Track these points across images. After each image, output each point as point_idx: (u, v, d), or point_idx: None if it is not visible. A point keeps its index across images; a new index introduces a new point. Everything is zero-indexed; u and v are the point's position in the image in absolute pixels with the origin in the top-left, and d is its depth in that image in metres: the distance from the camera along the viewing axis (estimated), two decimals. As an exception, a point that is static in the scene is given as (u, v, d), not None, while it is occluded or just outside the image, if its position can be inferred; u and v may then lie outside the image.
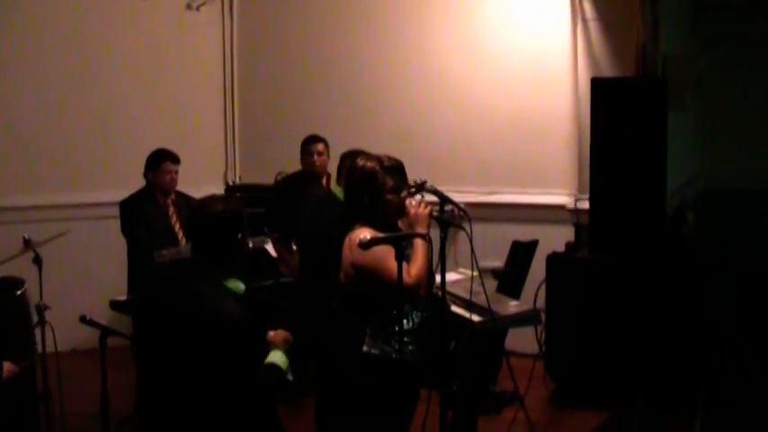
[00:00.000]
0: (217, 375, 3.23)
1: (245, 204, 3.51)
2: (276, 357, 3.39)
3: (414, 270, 3.70)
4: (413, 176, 4.01)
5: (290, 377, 3.37)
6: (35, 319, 4.94)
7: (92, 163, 7.70)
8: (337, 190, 5.22)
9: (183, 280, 3.47)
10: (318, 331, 4.08)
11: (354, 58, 7.94)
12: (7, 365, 4.53)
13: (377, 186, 3.83)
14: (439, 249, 3.80)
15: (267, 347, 3.41)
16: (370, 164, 3.86)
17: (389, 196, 3.83)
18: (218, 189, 7.83)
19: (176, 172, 6.00)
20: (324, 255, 4.93)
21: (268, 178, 7.45)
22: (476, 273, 4.08)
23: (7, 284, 4.92)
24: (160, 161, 5.97)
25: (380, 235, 3.64)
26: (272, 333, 3.49)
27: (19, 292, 4.87)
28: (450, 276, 4.77)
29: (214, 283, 3.33)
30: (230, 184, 8.28)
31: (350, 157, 5.17)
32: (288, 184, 6.87)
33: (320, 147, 6.72)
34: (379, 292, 3.74)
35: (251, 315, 3.28)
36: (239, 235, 3.38)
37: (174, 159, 6.00)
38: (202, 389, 3.27)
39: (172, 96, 8.03)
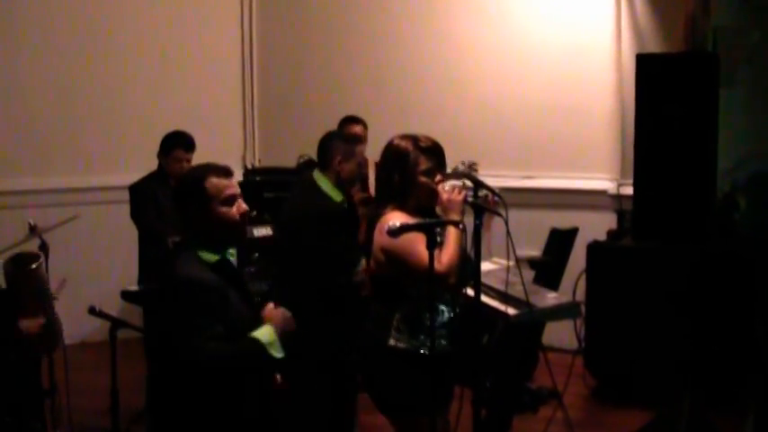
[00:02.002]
0: (166, 345, 3.32)
1: (262, 184, 3.66)
2: (261, 332, 3.39)
3: (445, 257, 3.73)
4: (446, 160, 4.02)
5: (276, 354, 3.36)
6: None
7: (101, 145, 7.75)
8: (320, 177, 5.22)
9: (172, 255, 3.58)
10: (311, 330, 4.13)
11: (380, 33, 7.99)
12: (25, 323, 4.59)
13: (408, 166, 3.85)
14: (472, 237, 3.82)
15: (245, 321, 3.43)
16: (403, 142, 3.88)
17: (422, 179, 3.85)
18: (237, 173, 7.83)
19: (188, 160, 5.97)
20: (289, 251, 5.05)
21: (290, 161, 7.47)
22: (512, 262, 4.02)
23: (22, 259, 4.91)
24: (172, 147, 5.97)
25: (411, 221, 3.66)
26: (268, 307, 3.52)
27: (34, 266, 4.85)
28: (484, 266, 4.67)
29: (188, 252, 3.42)
30: (249, 167, 8.29)
31: (328, 139, 5.23)
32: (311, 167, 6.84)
33: (357, 129, 6.56)
34: (407, 280, 3.77)
35: (210, 279, 3.32)
36: (198, 205, 3.42)
37: (188, 146, 5.99)
38: (175, 363, 3.35)
39: (187, 75, 8.10)
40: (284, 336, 3.41)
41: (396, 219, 3.68)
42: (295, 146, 7.50)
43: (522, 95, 7.55)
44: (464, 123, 7.66)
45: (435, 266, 3.60)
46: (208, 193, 3.41)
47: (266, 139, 8.43)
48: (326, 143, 5.25)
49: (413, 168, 3.84)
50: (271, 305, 3.53)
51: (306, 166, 6.78)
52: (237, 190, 3.52)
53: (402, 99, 7.84)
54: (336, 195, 5.16)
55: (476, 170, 4.06)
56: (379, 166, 4.06)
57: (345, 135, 5.65)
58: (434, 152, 3.89)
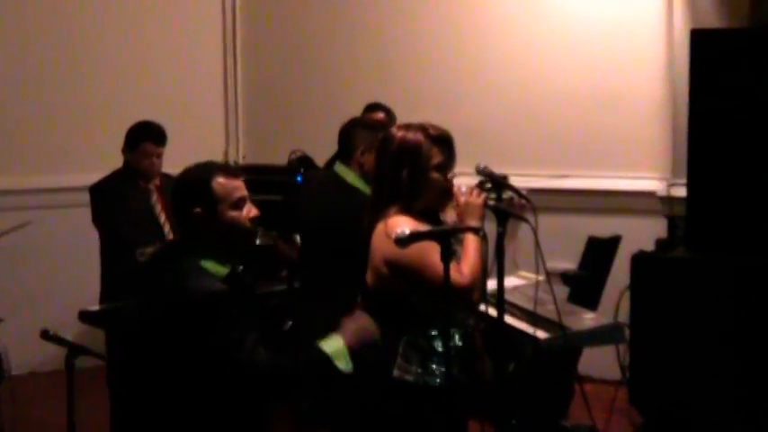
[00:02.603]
0: (195, 364, 3.37)
1: (248, 181, 3.62)
2: (329, 343, 3.48)
3: (466, 267, 3.74)
4: (464, 158, 4.05)
5: (343, 366, 3.44)
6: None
7: (60, 139, 7.79)
8: (344, 170, 5.21)
9: (158, 267, 3.66)
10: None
11: (388, 10, 8.03)
12: None
13: (420, 161, 3.85)
14: (495, 247, 3.82)
15: (270, 332, 3.67)
16: (411, 133, 3.89)
17: (434, 175, 3.86)
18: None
19: (159, 155, 6.03)
20: (327, 253, 5.00)
21: (280, 158, 7.24)
22: (541, 277, 4.08)
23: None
24: (139, 141, 6.00)
25: (422, 228, 3.66)
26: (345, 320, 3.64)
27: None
28: (509, 281, 4.78)
29: (190, 263, 3.49)
30: (231, 164, 8.18)
31: (350, 126, 5.24)
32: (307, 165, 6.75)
33: (381, 117, 6.50)
34: (419, 296, 3.77)
35: (233, 291, 3.42)
36: (199, 208, 3.49)
37: (158, 139, 6.03)
38: (183, 389, 3.42)
39: (159, 58, 8.16)
40: (361, 347, 3.51)
41: (402, 224, 3.66)
42: (286, 140, 7.49)
43: (555, 82, 7.57)
44: (486, 115, 7.68)
45: (456, 279, 3.61)
46: (215, 195, 3.50)
47: (253, 131, 8.46)
48: (348, 131, 5.25)
49: (425, 163, 3.85)
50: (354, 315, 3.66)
51: (300, 163, 6.78)
52: (246, 192, 3.59)
53: (413, 88, 7.85)
54: (365, 188, 5.09)
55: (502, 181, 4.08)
56: (378, 161, 4.04)
57: (368, 122, 5.66)
58: (446, 143, 3.90)
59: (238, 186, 3.55)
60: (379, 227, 3.83)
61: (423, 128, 3.89)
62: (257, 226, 3.58)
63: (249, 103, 8.54)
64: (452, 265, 3.57)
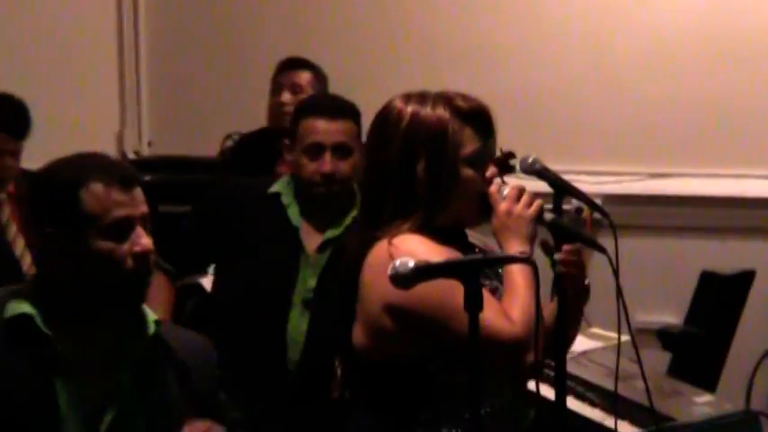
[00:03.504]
0: None
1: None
2: None
3: (517, 311, 3.65)
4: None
5: None
6: None
7: None
8: (284, 186, 5.34)
9: None
10: None
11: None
12: None
13: (445, 149, 3.75)
14: (551, 287, 3.79)
15: None
16: (429, 107, 3.78)
17: (466, 172, 3.75)
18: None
19: (15, 153, 6.09)
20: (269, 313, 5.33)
21: (208, 146, 7.60)
22: (625, 336, 4.02)
23: None
24: None
25: (441, 254, 3.57)
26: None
27: None
28: (576, 344, 4.66)
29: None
30: (131, 155, 8.51)
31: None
32: (242, 153, 6.87)
33: (304, 77, 6.72)
34: (441, 363, 3.71)
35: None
36: (53, 228, 3.40)
37: (11, 129, 6.07)
38: None
39: (34, 18, 8.34)
40: None
41: (409, 249, 3.55)
42: (216, 121, 7.73)
43: (646, 38, 7.81)
44: (538, 87, 7.81)
45: (503, 329, 3.57)
46: (83, 211, 3.39)
47: (163, 108, 8.59)
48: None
49: (453, 153, 3.75)
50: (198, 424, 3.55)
51: (234, 152, 6.86)
52: (141, 209, 3.49)
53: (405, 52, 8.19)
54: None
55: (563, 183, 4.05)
56: (373, 151, 3.96)
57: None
58: (483, 122, 3.81)
59: (124, 201, 3.42)
60: (376, 254, 3.70)
61: (446, 99, 3.79)
62: (148, 263, 3.46)
63: (156, 71, 8.74)
64: (494, 308, 3.54)
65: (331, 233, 5.36)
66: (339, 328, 3.86)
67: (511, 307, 3.66)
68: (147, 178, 7.38)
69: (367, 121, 4.20)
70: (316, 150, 5.23)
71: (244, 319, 5.31)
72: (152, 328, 3.54)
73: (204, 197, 5.75)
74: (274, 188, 5.39)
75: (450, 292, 3.48)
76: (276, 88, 6.96)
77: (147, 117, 8.77)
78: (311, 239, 5.36)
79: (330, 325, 4.10)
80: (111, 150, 8.32)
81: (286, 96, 6.82)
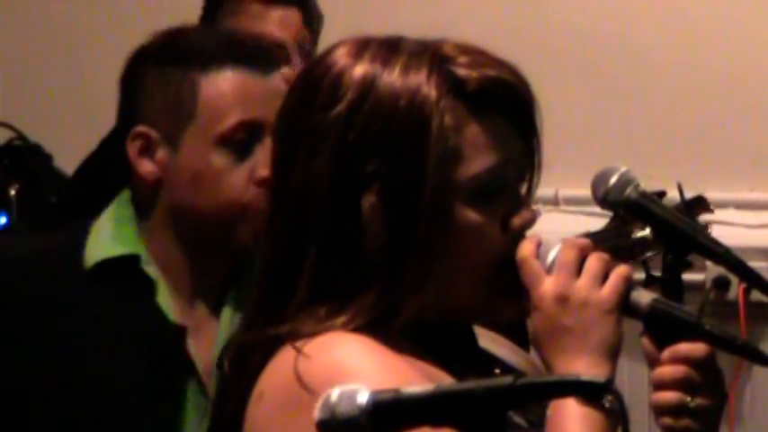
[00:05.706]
0: None
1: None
2: None
3: None
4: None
5: None
6: None
7: None
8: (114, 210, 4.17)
9: None
10: None
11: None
12: None
13: (424, 161, 2.66)
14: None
15: None
16: (397, 73, 2.68)
17: (468, 215, 2.66)
18: None
19: None
20: None
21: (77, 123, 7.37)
22: None
23: None
24: None
25: (408, 382, 2.44)
26: None
27: None
28: None
29: None
30: None
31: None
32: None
33: (290, 15, 5.79)
34: None
35: None
36: None
37: None
38: None
39: None
40: None
41: (343, 365, 2.61)
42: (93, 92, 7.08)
43: None
44: (637, 74, 7.04)
45: None
46: None
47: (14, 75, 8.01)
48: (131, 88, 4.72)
49: (440, 175, 2.65)
50: None
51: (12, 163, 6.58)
52: None
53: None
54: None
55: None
56: (282, 160, 2.88)
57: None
58: (510, 110, 2.66)
59: None
60: (278, 372, 2.65)
61: (435, 56, 2.66)
62: None
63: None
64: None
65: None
66: None
67: None
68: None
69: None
70: None
71: None
72: None
73: None
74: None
75: None
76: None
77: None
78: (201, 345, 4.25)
79: None
80: None
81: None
